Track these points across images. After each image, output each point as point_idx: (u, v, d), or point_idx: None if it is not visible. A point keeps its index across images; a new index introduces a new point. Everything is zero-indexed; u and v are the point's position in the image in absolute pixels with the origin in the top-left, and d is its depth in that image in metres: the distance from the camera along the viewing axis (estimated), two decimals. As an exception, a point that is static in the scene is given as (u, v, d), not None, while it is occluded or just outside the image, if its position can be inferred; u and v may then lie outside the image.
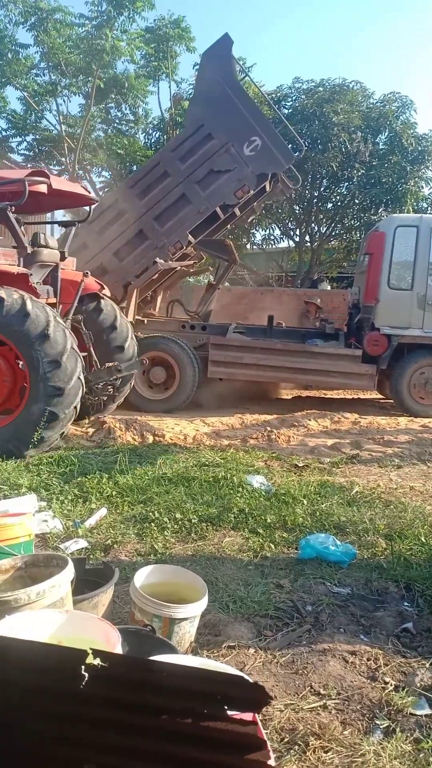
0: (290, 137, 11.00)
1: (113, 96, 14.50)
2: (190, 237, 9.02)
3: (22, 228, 6.14)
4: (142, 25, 14.12)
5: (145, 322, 9.15)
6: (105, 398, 6.81)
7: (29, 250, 6.01)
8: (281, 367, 8.64)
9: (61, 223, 8.11)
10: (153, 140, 15.74)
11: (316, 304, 11.21)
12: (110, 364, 6.64)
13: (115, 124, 15.84)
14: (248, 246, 17.01)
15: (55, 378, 5.18)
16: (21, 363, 5.36)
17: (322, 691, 2.08)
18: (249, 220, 11.71)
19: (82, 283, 6.46)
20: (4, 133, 15.14)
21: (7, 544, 2.53)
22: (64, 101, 14.75)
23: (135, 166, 14.54)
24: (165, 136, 14.85)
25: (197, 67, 11.35)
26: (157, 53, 14.60)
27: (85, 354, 6.45)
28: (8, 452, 5.16)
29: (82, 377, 5.52)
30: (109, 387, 6.73)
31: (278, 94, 14.76)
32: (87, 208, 7.28)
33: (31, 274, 5.75)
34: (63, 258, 6.54)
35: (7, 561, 2.24)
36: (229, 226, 10.53)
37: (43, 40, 13.12)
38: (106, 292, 7.11)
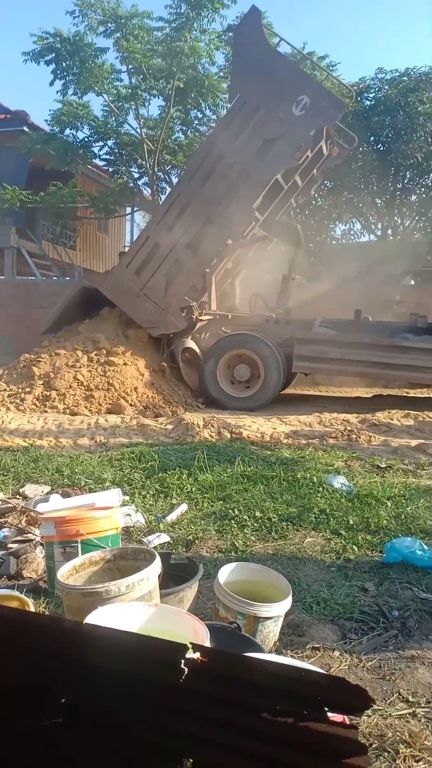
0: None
1: (192, 96, 14.61)
2: (257, 213, 9.01)
3: None
4: (223, 24, 14.17)
5: (230, 316, 9.16)
6: None
7: None
8: (369, 362, 8.39)
9: None
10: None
11: None
12: None
13: (195, 125, 15.99)
14: (328, 241, 16.78)
15: None
16: None
17: (411, 699, 2.02)
18: (312, 191, 11.53)
19: None
20: (87, 139, 15.62)
21: (97, 536, 2.62)
22: (144, 104, 15.04)
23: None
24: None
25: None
26: (238, 52, 14.61)
27: None
28: None
29: None
30: None
31: (360, 86, 14.45)
32: None
33: None
34: None
35: (97, 553, 2.33)
36: (293, 200, 10.42)
37: (123, 45, 13.40)
38: None
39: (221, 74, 14.73)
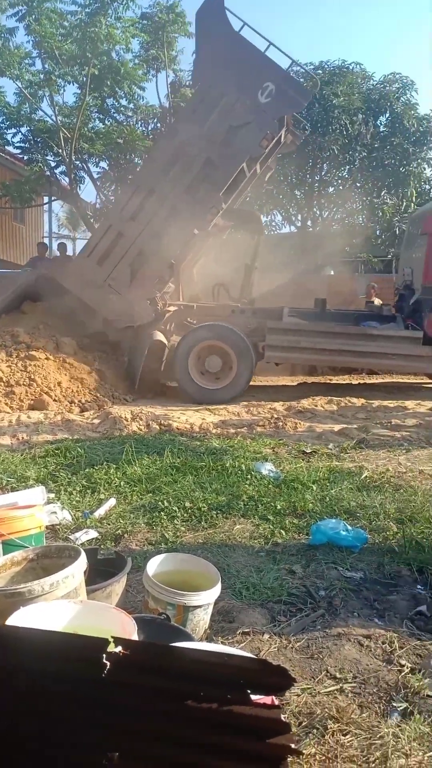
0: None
1: (108, 83, 14.28)
2: (222, 203, 8.86)
3: None
4: (137, 11, 13.93)
5: (195, 307, 8.87)
6: None
7: None
8: (338, 350, 8.39)
9: None
10: (151, 128, 15.63)
11: None
12: None
13: (112, 113, 15.65)
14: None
15: None
16: None
17: (338, 675, 2.08)
18: (267, 178, 11.44)
19: None
20: (-1, 126, 14.97)
21: (19, 536, 2.53)
22: (59, 91, 14.55)
23: (134, 156, 14.46)
24: (161, 126, 14.73)
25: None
26: (156, 41, 14.41)
27: None
28: None
29: None
30: None
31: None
32: None
33: None
34: None
35: (19, 553, 2.24)
36: (249, 188, 10.36)
37: (35, 29, 12.90)
38: None
39: (137, 62, 14.50)
